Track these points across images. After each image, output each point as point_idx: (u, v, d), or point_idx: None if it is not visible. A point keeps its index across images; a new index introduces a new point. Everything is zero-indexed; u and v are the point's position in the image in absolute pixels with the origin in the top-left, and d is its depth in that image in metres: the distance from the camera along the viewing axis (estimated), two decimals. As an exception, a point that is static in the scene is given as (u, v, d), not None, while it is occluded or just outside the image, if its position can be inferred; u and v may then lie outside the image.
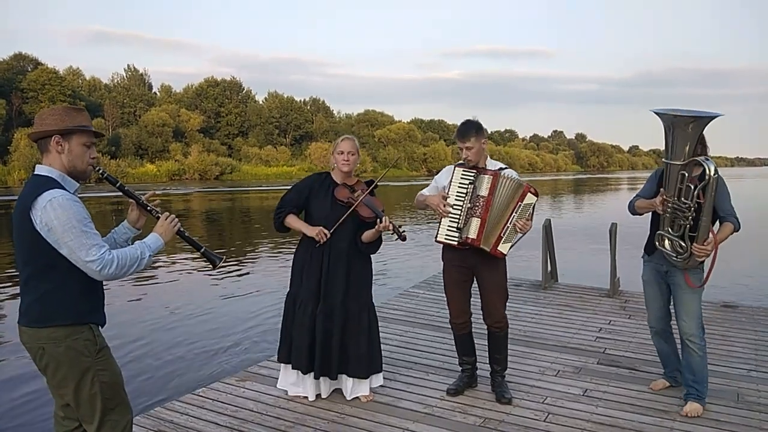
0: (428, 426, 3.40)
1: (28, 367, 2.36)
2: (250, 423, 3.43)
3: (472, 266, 3.71)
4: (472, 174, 3.60)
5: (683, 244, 3.40)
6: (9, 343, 6.33)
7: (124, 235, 2.59)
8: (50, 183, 2.24)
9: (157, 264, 11.05)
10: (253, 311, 7.77)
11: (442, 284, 3.86)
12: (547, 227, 6.92)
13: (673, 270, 3.57)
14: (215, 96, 62.25)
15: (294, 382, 3.76)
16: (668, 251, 3.48)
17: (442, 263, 3.86)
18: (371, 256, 3.76)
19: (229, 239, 15.95)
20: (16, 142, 40.54)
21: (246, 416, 3.52)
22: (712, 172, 3.21)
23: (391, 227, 3.45)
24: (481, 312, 3.77)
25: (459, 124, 3.69)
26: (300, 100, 68.45)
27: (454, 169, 3.67)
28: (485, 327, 3.80)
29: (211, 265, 2.64)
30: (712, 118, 3.21)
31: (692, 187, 3.28)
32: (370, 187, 3.65)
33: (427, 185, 3.92)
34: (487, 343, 3.85)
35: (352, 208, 3.54)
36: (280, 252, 12.68)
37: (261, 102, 66.89)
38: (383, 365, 3.80)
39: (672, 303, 3.69)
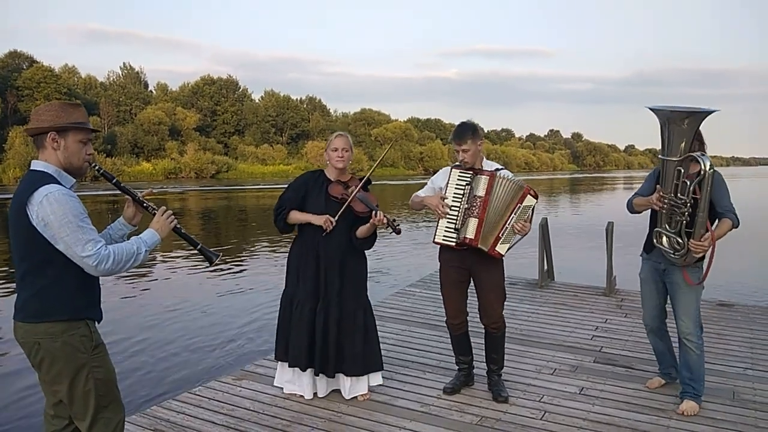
0: (425, 424, 3.40)
1: (23, 363, 2.36)
2: (246, 422, 3.42)
3: (469, 266, 3.70)
4: (469, 175, 3.60)
5: (680, 240, 3.39)
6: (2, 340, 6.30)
7: (119, 231, 2.58)
8: (46, 178, 2.23)
9: (153, 261, 11.03)
10: (249, 309, 7.76)
11: (439, 284, 3.86)
12: (544, 226, 6.92)
13: (671, 268, 3.56)
14: (211, 94, 62.08)
15: (290, 380, 3.76)
16: (666, 248, 3.48)
17: (438, 263, 3.86)
18: (366, 253, 3.76)
19: (225, 237, 15.93)
20: (11, 140, 40.37)
21: (243, 415, 3.51)
22: (707, 167, 3.21)
23: (385, 221, 3.46)
24: (477, 312, 3.77)
25: (456, 124, 3.70)
26: (296, 99, 68.36)
27: (451, 171, 3.68)
28: (482, 326, 3.80)
29: (207, 263, 2.64)
30: (708, 113, 3.20)
31: (688, 182, 3.27)
32: (362, 182, 3.66)
33: (424, 185, 3.92)
34: (483, 343, 3.85)
35: (346, 203, 3.54)
36: (276, 250, 12.67)
37: (257, 100, 66.79)
38: (383, 364, 3.79)
39: (669, 302, 3.69)
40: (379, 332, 3.85)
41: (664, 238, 3.48)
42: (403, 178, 54.67)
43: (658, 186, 3.45)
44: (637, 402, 3.70)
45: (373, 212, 3.49)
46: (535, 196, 3.56)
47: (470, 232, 3.56)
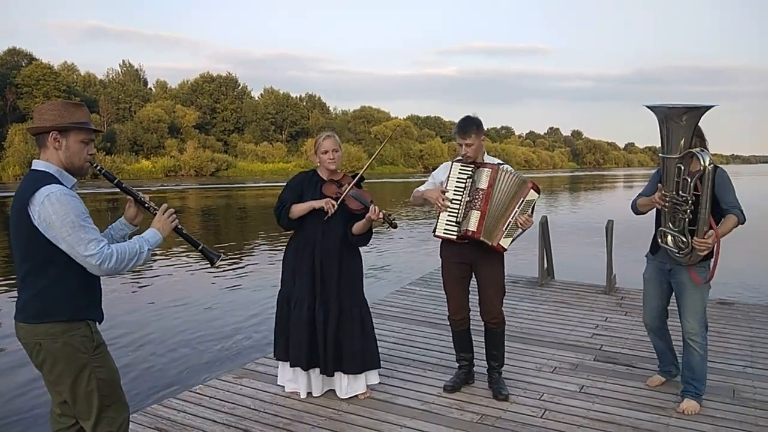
0: (425, 423, 3.41)
1: (25, 357, 2.36)
2: (247, 420, 3.43)
3: (470, 262, 3.71)
4: (471, 168, 3.60)
5: (684, 239, 3.37)
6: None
7: (121, 231, 2.58)
8: (48, 178, 2.23)
9: (154, 261, 11.03)
10: (251, 307, 7.77)
11: (439, 280, 3.86)
12: (544, 224, 6.93)
13: (677, 268, 3.54)
14: (211, 92, 62.09)
15: (290, 379, 3.77)
16: (670, 247, 3.47)
17: (440, 259, 3.86)
18: (361, 252, 3.77)
19: (225, 235, 15.93)
20: (10, 138, 40.36)
21: (243, 413, 3.52)
22: (707, 163, 3.20)
23: (381, 215, 3.47)
24: (478, 308, 3.78)
25: (456, 120, 3.69)
26: (296, 96, 68.38)
27: (452, 165, 3.68)
28: (482, 323, 3.81)
29: (209, 263, 2.62)
30: (706, 108, 3.18)
31: (689, 179, 3.26)
32: (355, 179, 3.68)
33: (424, 182, 3.92)
34: (484, 340, 3.85)
35: (339, 200, 3.55)
36: (276, 248, 12.66)
37: (257, 98, 66.74)
38: (380, 362, 3.80)
39: (675, 302, 3.67)
40: (379, 330, 3.85)
41: (669, 237, 3.47)
42: (402, 176, 54.64)
43: (660, 185, 3.44)
44: (638, 400, 3.71)
45: (370, 207, 3.51)
46: (538, 191, 3.58)
47: (472, 225, 3.55)
